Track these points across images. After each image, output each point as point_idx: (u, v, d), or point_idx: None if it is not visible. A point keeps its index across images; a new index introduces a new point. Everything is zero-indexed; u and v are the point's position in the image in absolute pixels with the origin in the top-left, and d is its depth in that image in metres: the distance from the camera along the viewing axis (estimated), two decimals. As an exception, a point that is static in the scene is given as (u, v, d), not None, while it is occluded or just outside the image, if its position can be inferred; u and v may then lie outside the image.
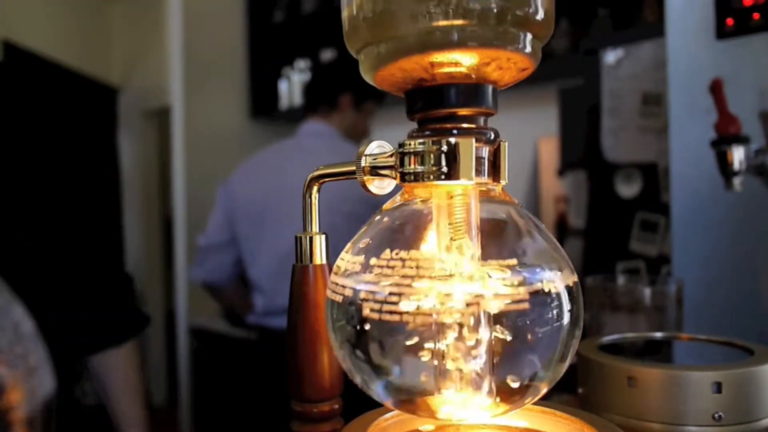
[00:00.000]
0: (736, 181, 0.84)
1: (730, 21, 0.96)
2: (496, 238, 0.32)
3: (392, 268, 0.31)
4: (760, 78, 0.94)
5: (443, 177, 0.32)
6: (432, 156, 0.32)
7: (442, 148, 0.32)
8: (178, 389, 2.69)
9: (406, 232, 0.33)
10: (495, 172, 0.34)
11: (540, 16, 0.31)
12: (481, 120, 0.33)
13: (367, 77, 0.34)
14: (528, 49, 0.31)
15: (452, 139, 0.32)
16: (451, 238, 0.32)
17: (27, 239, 0.76)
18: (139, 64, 3.56)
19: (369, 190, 0.38)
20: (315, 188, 0.41)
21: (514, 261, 0.31)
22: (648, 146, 1.26)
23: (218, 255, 1.63)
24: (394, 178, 0.35)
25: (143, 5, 3.48)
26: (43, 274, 0.78)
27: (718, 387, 0.45)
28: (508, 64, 0.32)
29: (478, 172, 0.32)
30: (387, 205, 0.36)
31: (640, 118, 1.28)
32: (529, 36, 0.31)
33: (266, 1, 2.77)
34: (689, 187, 1.01)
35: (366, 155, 0.37)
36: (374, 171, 0.36)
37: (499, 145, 0.34)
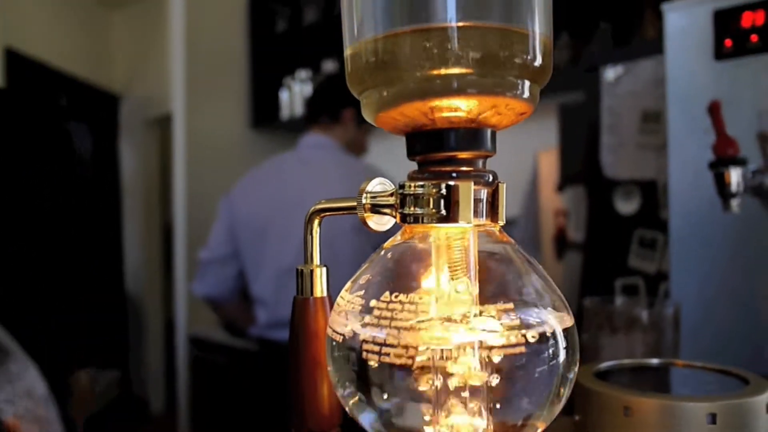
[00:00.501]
0: (734, 203, 0.85)
1: (728, 42, 0.97)
2: (494, 281, 0.33)
3: (392, 311, 0.31)
4: (759, 99, 0.95)
5: (442, 220, 0.32)
6: (431, 199, 0.32)
7: (442, 192, 0.32)
8: (176, 397, 2.69)
9: (405, 272, 0.34)
10: (493, 213, 0.34)
11: (538, 62, 0.32)
12: (480, 163, 0.34)
13: (368, 119, 0.35)
14: (526, 94, 0.32)
15: (451, 183, 0.32)
16: (450, 279, 0.33)
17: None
18: (141, 72, 3.57)
19: (369, 226, 0.38)
20: (316, 222, 0.42)
21: (510, 305, 0.31)
22: (647, 163, 1.27)
23: (220, 269, 1.63)
24: (394, 217, 0.36)
25: (145, 13, 3.50)
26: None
27: (713, 418, 0.45)
28: (506, 110, 0.32)
29: (477, 214, 0.33)
30: (388, 244, 0.36)
31: (639, 135, 1.28)
32: (528, 82, 0.32)
33: (268, 11, 2.79)
34: (688, 207, 1.02)
35: (367, 192, 0.38)
36: (375, 209, 0.37)
37: (497, 187, 0.34)
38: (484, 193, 0.34)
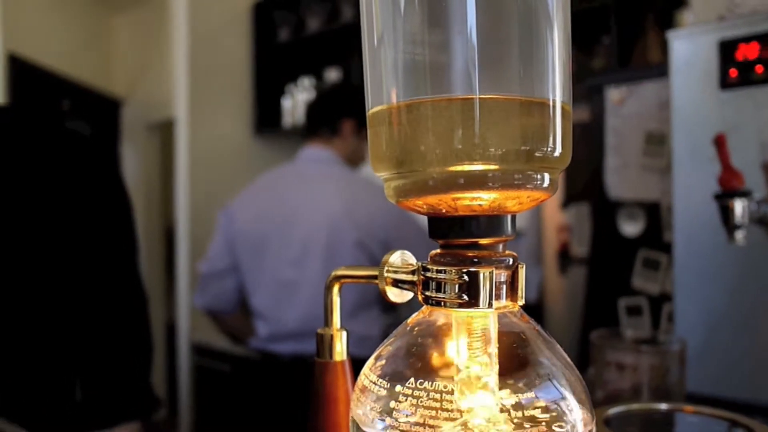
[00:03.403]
0: (739, 235, 0.86)
1: (733, 72, 0.97)
2: (514, 365, 0.34)
3: (417, 398, 0.32)
4: (763, 129, 0.96)
5: (464, 305, 0.33)
6: (453, 285, 0.33)
7: (463, 278, 0.33)
8: (178, 402, 2.70)
9: (429, 353, 0.35)
10: (513, 293, 0.35)
11: (558, 152, 0.33)
12: (500, 246, 0.35)
13: (390, 200, 0.36)
14: (546, 183, 0.33)
15: (473, 269, 0.33)
16: (471, 361, 0.34)
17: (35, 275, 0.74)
18: (144, 77, 3.57)
19: (388, 297, 0.39)
20: (336, 287, 0.43)
21: (532, 393, 0.32)
22: (651, 185, 1.28)
23: (220, 282, 1.64)
24: (415, 293, 0.37)
25: (148, 17, 3.50)
26: (57, 316, 0.77)
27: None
28: (527, 200, 0.33)
29: (497, 297, 0.34)
30: (411, 320, 0.37)
31: (643, 157, 1.29)
32: (548, 174, 0.33)
33: (272, 19, 2.79)
34: (692, 234, 1.03)
35: (389, 265, 0.39)
36: (396, 282, 0.38)
37: (516, 268, 0.35)
38: (504, 276, 0.34)
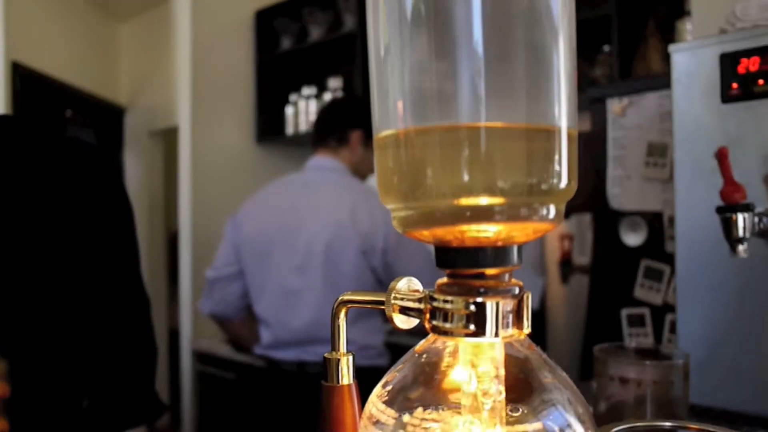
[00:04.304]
0: (741, 248, 0.86)
1: (735, 85, 0.98)
2: (520, 392, 0.34)
3: (425, 429, 0.32)
4: (765, 143, 0.96)
5: (471, 335, 0.34)
6: (460, 315, 0.34)
7: (470, 308, 0.34)
8: (180, 409, 2.71)
9: (436, 381, 0.35)
10: (519, 322, 0.35)
11: (563, 184, 0.33)
12: (506, 276, 0.35)
13: (398, 229, 0.36)
14: (552, 215, 0.34)
15: (480, 300, 0.34)
16: (478, 389, 0.34)
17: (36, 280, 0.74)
18: (146, 84, 3.59)
19: (395, 324, 0.40)
20: (342, 312, 0.43)
21: (539, 425, 0.33)
22: (653, 196, 1.28)
23: (226, 287, 1.66)
24: (421, 320, 0.37)
25: (151, 26, 3.51)
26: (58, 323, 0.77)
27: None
28: (533, 232, 0.34)
29: (504, 326, 0.34)
30: (419, 347, 0.38)
31: (645, 167, 1.30)
32: (554, 206, 0.33)
33: (274, 28, 2.81)
34: (695, 245, 1.03)
35: (396, 291, 0.39)
36: (403, 310, 0.38)
37: (522, 297, 0.36)
38: (510, 305, 0.35)
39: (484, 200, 0.31)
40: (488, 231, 0.33)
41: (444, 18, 0.32)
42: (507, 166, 0.31)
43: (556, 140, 0.33)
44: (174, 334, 3.24)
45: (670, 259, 1.26)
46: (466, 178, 0.31)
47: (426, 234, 0.34)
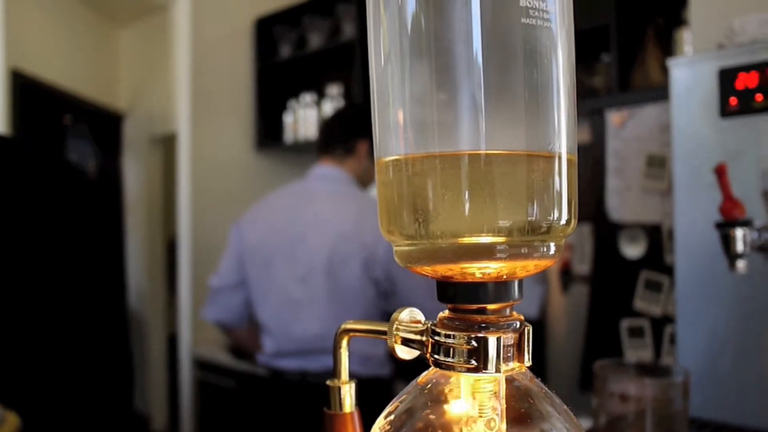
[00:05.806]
0: (740, 264, 0.87)
1: (733, 101, 0.98)
2: (521, 426, 0.35)
3: (427, 465, 0.33)
4: (763, 158, 0.97)
5: (472, 370, 0.34)
6: (462, 350, 0.34)
7: (472, 343, 0.34)
8: (179, 417, 2.70)
9: (438, 414, 0.36)
10: (520, 355, 0.36)
11: (563, 220, 0.34)
12: (508, 310, 0.36)
13: (400, 264, 0.36)
14: (552, 251, 0.34)
15: (481, 335, 0.34)
16: (478, 426, 0.34)
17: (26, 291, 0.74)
18: (145, 91, 3.59)
19: (396, 353, 0.40)
20: (345, 340, 0.43)
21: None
22: (652, 207, 1.29)
23: (230, 295, 1.67)
24: (424, 353, 0.37)
25: (151, 33, 3.52)
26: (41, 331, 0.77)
27: None
28: (534, 267, 0.34)
29: (505, 360, 0.35)
30: (422, 379, 0.38)
31: (644, 179, 1.30)
32: (554, 242, 0.34)
33: (273, 35, 2.81)
34: (694, 259, 1.04)
35: (398, 322, 0.39)
36: (405, 341, 0.39)
37: (523, 330, 0.36)
38: (512, 339, 0.35)
39: (486, 239, 0.32)
40: (489, 268, 0.33)
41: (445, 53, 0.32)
42: (509, 206, 0.32)
43: (557, 176, 0.33)
44: (173, 341, 3.24)
45: (669, 270, 1.26)
46: (468, 217, 0.32)
47: (428, 270, 0.35)
